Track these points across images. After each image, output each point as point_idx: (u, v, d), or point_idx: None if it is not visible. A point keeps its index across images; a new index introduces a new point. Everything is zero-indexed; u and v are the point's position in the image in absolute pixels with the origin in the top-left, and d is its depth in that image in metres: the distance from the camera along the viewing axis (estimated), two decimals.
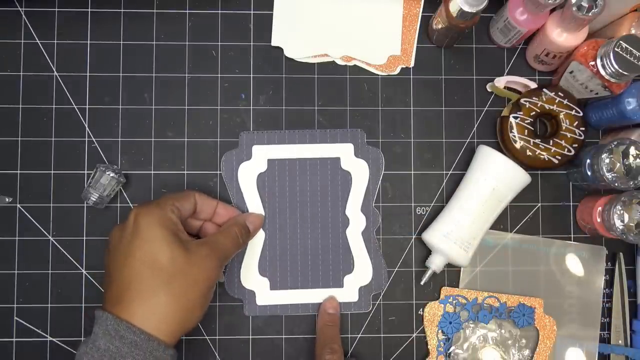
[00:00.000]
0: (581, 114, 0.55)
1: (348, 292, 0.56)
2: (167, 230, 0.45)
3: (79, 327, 0.55)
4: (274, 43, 0.57)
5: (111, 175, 0.53)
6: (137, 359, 0.42)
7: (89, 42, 0.57)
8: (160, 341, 0.43)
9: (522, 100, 0.55)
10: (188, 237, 0.47)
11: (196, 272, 0.45)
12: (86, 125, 0.56)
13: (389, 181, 0.57)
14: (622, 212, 0.50)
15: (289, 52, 0.57)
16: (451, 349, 0.56)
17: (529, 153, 0.54)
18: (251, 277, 0.56)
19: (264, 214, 0.56)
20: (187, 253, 0.45)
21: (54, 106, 0.56)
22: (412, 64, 0.58)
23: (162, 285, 0.43)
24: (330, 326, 0.54)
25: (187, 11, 0.57)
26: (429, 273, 0.55)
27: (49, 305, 0.55)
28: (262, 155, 0.56)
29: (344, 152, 0.57)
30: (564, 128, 0.54)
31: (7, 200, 0.55)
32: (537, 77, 0.58)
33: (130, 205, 0.56)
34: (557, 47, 0.53)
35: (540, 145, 0.54)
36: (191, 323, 0.45)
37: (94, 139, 0.56)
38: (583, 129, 0.54)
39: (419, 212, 0.57)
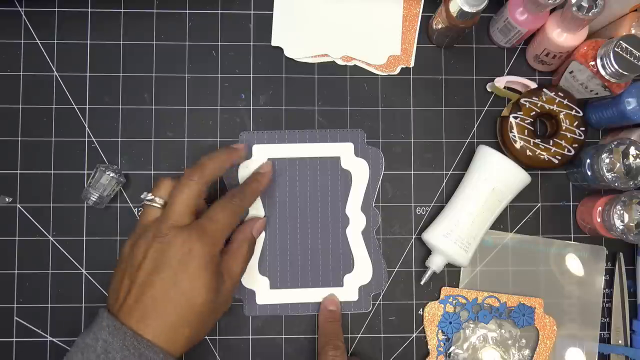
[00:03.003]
0: (581, 114, 0.55)
1: (348, 291, 0.56)
2: (212, 275, 0.46)
3: (79, 327, 0.55)
4: (274, 43, 0.57)
5: (111, 175, 0.53)
6: None
7: (89, 42, 0.57)
8: (168, 355, 0.44)
9: (522, 100, 0.55)
10: (220, 270, 0.48)
11: (220, 310, 0.48)
12: (86, 125, 0.56)
13: (389, 181, 0.57)
14: (622, 212, 0.50)
15: (289, 52, 0.57)
16: (451, 349, 0.56)
17: (529, 153, 0.54)
18: (251, 276, 0.56)
19: (264, 213, 0.56)
20: (217, 295, 0.46)
21: (54, 106, 0.56)
22: (412, 64, 0.58)
23: (189, 320, 0.45)
24: (332, 322, 0.54)
25: (187, 11, 0.57)
26: (429, 273, 0.55)
27: (49, 305, 0.55)
28: (262, 155, 0.56)
29: (344, 152, 0.57)
30: (564, 128, 0.54)
31: (7, 200, 0.55)
32: (537, 77, 0.58)
33: (131, 205, 0.56)
34: (557, 47, 0.53)
35: (540, 145, 0.54)
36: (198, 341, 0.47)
37: (94, 139, 0.56)
38: (583, 129, 0.54)
39: (419, 212, 0.57)
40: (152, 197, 0.49)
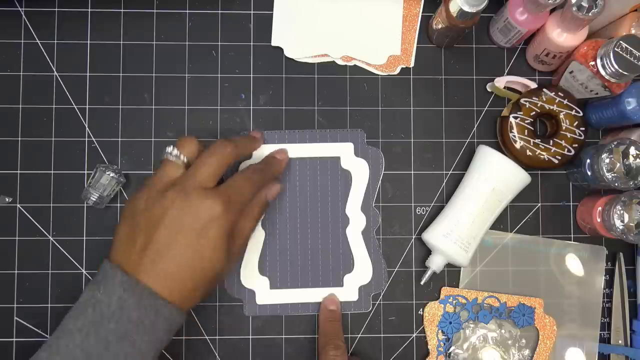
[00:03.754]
0: (581, 114, 0.55)
1: (348, 291, 0.56)
2: (229, 243, 0.46)
3: None
4: (274, 43, 0.57)
5: (111, 175, 0.53)
6: (168, 330, 0.43)
7: (89, 42, 0.57)
8: (181, 312, 0.44)
9: (522, 100, 0.55)
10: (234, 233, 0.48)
11: (228, 272, 0.50)
12: (86, 125, 0.56)
13: (389, 181, 0.57)
14: (622, 212, 0.50)
15: (289, 52, 0.57)
16: (451, 349, 0.56)
17: (529, 153, 0.54)
18: (251, 276, 0.56)
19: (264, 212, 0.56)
20: (230, 260, 0.47)
21: (54, 106, 0.56)
22: (412, 64, 0.58)
23: (204, 284, 0.45)
24: (332, 322, 0.54)
25: (187, 11, 0.57)
26: (429, 273, 0.55)
27: (49, 305, 0.55)
28: (262, 154, 0.56)
29: (344, 152, 0.57)
30: (564, 128, 0.54)
31: (7, 200, 0.55)
32: (537, 77, 0.58)
33: None
34: (557, 47, 0.53)
35: (540, 145, 0.54)
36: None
37: (94, 139, 0.56)
38: (583, 129, 0.54)
39: (419, 212, 0.57)
40: (179, 152, 0.47)
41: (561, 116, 0.55)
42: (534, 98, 0.55)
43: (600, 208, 0.53)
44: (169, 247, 0.43)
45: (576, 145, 0.54)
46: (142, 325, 0.42)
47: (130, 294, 0.42)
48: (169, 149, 0.48)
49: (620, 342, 0.56)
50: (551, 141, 0.54)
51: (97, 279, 0.43)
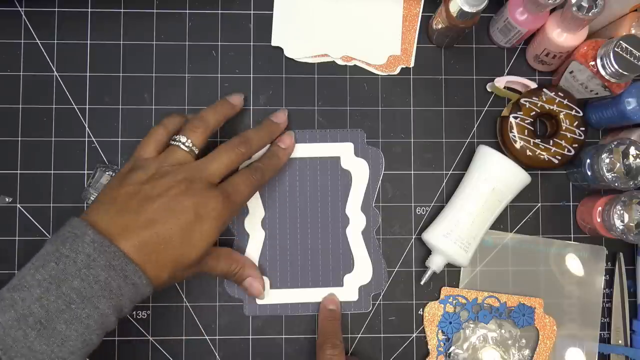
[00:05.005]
0: (581, 114, 0.55)
1: (348, 291, 0.56)
2: (215, 239, 0.46)
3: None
4: (274, 43, 0.57)
5: (111, 175, 0.53)
6: (132, 298, 0.42)
7: (89, 42, 0.57)
8: (150, 284, 0.43)
9: (522, 100, 0.55)
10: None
11: (195, 271, 0.48)
12: (86, 125, 0.56)
13: (389, 181, 0.57)
14: (622, 212, 0.50)
15: (289, 52, 0.57)
16: (451, 349, 0.56)
17: (529, 153, 0.54)
18: None
19: (264, 213, 0.56)
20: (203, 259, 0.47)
21: (54, 106, 0.56)
22: (412, 64, 0.58)
23: (177, 267, 0.44)
24: (331, 321, 0.54)
25: (187, 11, 0.57)
26: (429, 273, 0.55)
27: None
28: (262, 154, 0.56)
29: (344, 152, 0.57)
30: (564, 128, 0.54)
31: (7, 200, 0.55)
32: (537, 77, 0.58)
33: None
34: (557, 47, 0.53)
35: (540, 145, 0.54)
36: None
37: (94, 139, 0.56)
38: (583, 129, 0.54)
39: (419, 212, 0.57)
40: (187, 139, 0.48)
41: (561, 116, 0.55)
42: (534, 98, 0.55)
43: (600, 208, 0.53)
44: (158, 221, 0.43)
45: (576, 145, 0.54)
46: (109, 288, 0.40)
47: (100, 254, 0.40)
48: (181, 138, 0.48)
49: (620, 342, 0.56)
50: (551, 141, 0.54)
51: (62, 234, 0.41)
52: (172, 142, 0.49)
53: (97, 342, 0.41)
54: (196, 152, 0.49)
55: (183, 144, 0.48)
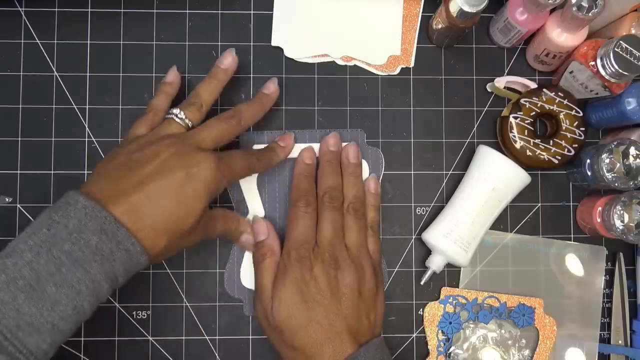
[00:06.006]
0: (581, 114, 0.55)
1: None
2: (208, 200, 0.45)
3: (79, 328, 0.55)
4: (274, 43, 0.57)
5: None
6: (127, 267, 0.41)
7: (89, 42, 0.57)
8: (144, 251, 0.42)
9: (522, 100, 0.55)
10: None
11: (195, 239, 0.47)
12: (86, 125, 0.56)
13: (389, 181, 0.57)
14: (622, 212, 0.50)
15: (289, 52, 0.57)
16: (451, 349, 0.56)
17: (529, 153, 0.54)
18: (251, 276, 0.56)
19: (264, 213, 0.56)
20: (199, 225, 0.46)
21: (54, 106, 0.56)
22: (412, 64, 0.58)
23: (171, 231, 0.43)
24: (307, 177, 0.52)
25: (187, 11, 0.57)
26: (429, 273, 0.55)
27: None
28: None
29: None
30: (564, 128, 0.54)
31: (7, 200, 0.55)
32: (537, 77, 0.58)
33: None
34: (557, 47, 0.53)
35: (540, 145, 0.54)
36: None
37: (94, 139, 0.56)
38: (583, 129, 0.54)
39: (419, 212, 0.57)
40: (180, 111, 0.48)
41: (561, 116, 0.55)
42: (534, 98, 0.55)
43: (600, 208, 0.53)
44: (148, 183, 0.42)
45: (576, 145, 0.54)
46: (100, 254, 0.39)
47: (91, 219, 0.40)
48: (176, 110, 0.48)
49: (620, 342, 0.56)
50: (551, 141, 0.54)
51: (56, 205, 0.41)
52: (167, 116, 0.49)
53: (88, 311, 0.40)
54: (190, 125, 0.48)
55: (176, 115, 0.48)
